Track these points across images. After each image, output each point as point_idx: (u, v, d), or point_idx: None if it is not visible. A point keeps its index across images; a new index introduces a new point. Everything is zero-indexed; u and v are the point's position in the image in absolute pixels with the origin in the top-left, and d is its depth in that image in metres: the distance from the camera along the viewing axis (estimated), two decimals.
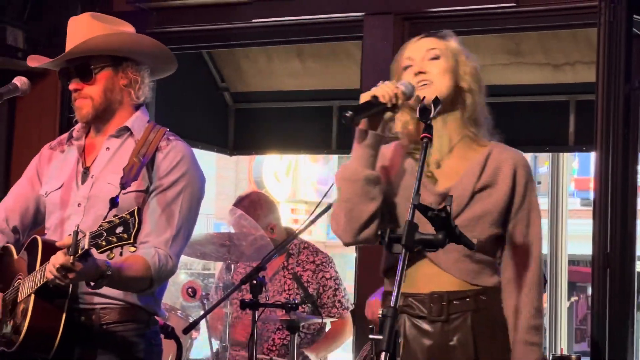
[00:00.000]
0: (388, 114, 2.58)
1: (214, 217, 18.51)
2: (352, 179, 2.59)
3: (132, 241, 2.52)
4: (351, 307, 4.86)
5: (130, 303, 2.89)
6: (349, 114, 2.48)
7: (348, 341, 5.02)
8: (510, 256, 2.71)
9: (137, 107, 3.02)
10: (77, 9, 4.89)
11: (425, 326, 2.65)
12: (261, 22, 5.21)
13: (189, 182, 2.93)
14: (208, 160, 15.09)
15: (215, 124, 6.86)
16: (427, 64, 2.69)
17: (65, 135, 3.11)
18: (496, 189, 2.68)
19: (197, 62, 6.58)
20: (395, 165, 2.71)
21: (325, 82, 6.56)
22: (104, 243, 2.52)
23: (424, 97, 2.54)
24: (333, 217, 2.65)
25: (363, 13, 4.96)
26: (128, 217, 2.53)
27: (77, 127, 3.05)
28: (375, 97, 2.54)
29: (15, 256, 2.96)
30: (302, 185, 19.10)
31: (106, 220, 2.55)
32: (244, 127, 6.85)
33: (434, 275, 2.65)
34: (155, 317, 3.00)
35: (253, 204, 4.87)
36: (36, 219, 3.09)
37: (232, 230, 4.59)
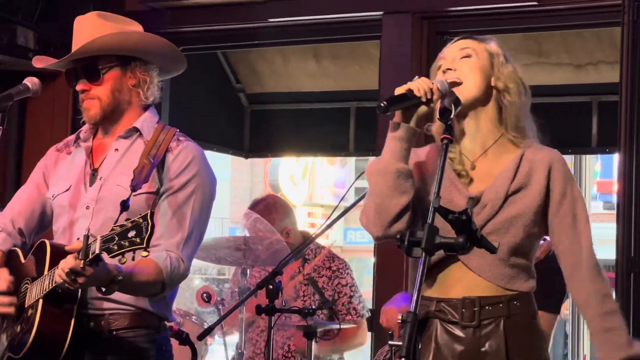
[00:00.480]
0: (422, 108, 2.59)
1: (229, 220, 18.55)
2: (383, 172, 2.59)
3: (145, 246, 2.48)
4: (367, 315, 4.80)
5: (141, 308, 2.86)
6: (383, 103, 2.50)
7: (365, 347, 4.95)
8: (563, 252, 2.67)
9: (145, 108, 2.98)
10: (89, 9, 4.80)
11: (457, 332, 2.62)
12: (277, 22, 5.20)
13: (200, 183, 2.89)
14: (223, 163, 15.10)
15: (231, 125, 6.82)
16: (458, 62, 2.69)
17: (72, 136, 3.07)
18: (529, 190, 2.65)
19: (212, 62, 6.56)
20: (430, 165, 2.71)
21: (342, 83, 6.53)
22: (115, 247, 2.49)
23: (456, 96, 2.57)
24: (363, 211, 2.64)
25: (381, 12, 4.94)
26: (141, 221, 2.49)
27: (85, 128, 3.02)
28: (410, 91, 2.55)
29: (22, 260, 2.92)
30: (318, 189, 19.10)
31: (118, 224, 2.52)
32: (260, 129, 6.81)
33: (466, 280, 2.62)
34: (166, 322, 2.96)
35: (269, 208, 4.82)
36: (42, 222, 3.05)
37: (248, 234, 4.54)
